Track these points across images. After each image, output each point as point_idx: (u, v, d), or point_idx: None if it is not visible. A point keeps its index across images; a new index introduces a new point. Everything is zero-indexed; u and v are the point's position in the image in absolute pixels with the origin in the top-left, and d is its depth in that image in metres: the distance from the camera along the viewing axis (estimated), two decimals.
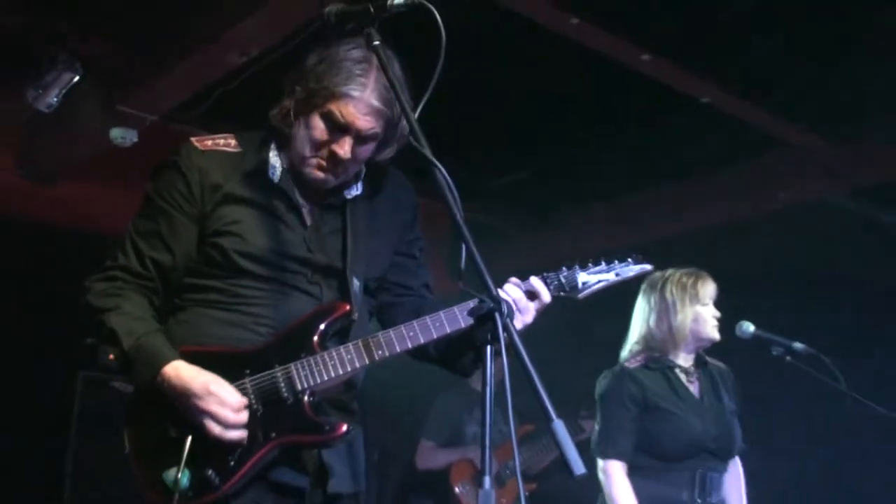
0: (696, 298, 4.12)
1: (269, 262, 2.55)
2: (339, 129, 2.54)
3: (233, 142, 2.65)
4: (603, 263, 2.72)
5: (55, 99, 5.02)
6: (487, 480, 1.89)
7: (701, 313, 4.12)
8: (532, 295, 2.60)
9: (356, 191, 2.69)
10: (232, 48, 4.55)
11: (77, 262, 2.75)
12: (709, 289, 4.17)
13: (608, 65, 4.86)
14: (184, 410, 2.43)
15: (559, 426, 1.83)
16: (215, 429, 2.40)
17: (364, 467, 2.71)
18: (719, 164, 6.14)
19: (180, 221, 2.57)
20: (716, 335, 4.13)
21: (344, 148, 2.55)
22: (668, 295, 4.13)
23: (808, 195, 5.98)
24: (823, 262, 6.03)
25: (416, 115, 2.17)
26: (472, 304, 2.41)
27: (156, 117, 5.25)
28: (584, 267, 2.70)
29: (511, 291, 2.60)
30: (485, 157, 6.00)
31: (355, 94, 2.51)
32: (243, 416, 2.43)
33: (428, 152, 2.10)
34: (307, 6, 4.08)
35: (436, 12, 2.19)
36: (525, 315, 2.59)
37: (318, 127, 2.55)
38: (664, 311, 4.11)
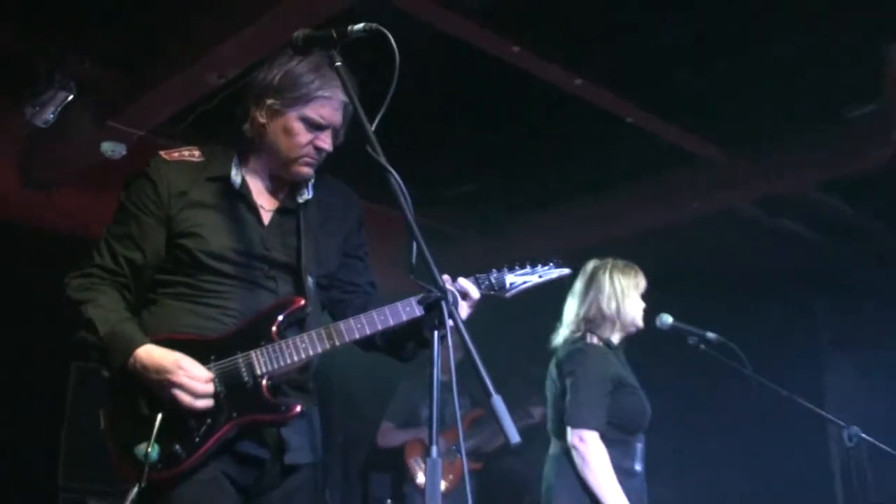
0: (637, 287, 4.12)
1: (229, 260, 2.58)
2: (318, 127, 2.62)
3: (197, 153, 2.70)
4: (528, 266, 2.76)
5: (51, 115, 4.96)
6: (434, 450, 1.90)
7: (637, 302, 4.12)
8: (463, 294, 2.64)
9: (308, 195, 2.74)
10: (211, 70, 4.52)
11: (70, 264, 2.73)
12: (643, 281, 4.16)
13: (545, 88, 4.89)
14: (156, 387, 2.44)
15: (497, 401, 1.86)
16: (186, 398, 2.41)
17: (321, 440, 2.74)
18: (639, 176, 6.20)
19: (149, 224, 2.60)
20: (641, 323, 4.14)
21: (326, 142, 2.64)
22: (616, 281, 4.07)
23: (717, 204, 6.06)
24: (728, 261, 6.14)
25: (373, 127, 2.18)
26: (413, 301, 2.52)
27: (143, 132, 5.19)
28: (511, 269, 2.75)
29: (466, 285, 2.65)
30: (437, 169, 6.02)
31: (330, 95, 2.59)
32: (210, 387, 2.45)
33: (383, 160, 2.12)
34: (279, 32, 4.07)
35: (391, 37, 2.22)
36: (458, 311, 2.60)
37: (299, 131, 2.61)
38: (612, 295, 4.04)
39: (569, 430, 3.86)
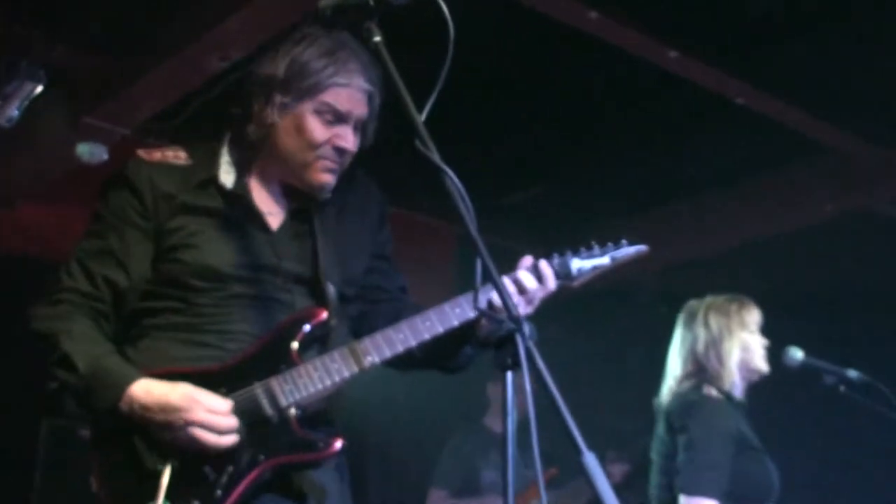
0: (742, 325, 4.13)
1: (234, 274, 2.62)
2: (337, 121, 2.65)
3: (182, 154, 2.74)
4: (596, 248, 2.87)
5: (16, 112, 5.02)
6: None
7: (749, 342, 4.12)
8: (521, 288, 2.70)
9: (327, 194, 2.77)
10: (211, 52, 4.57)
11: (36, 294, 2.77)
12: (754, 315, 4.18)
13: (630, 64, 4.90)
14: (162, 431, 2.45)
15: (591, 459, 1.84)
16: (209, 438, 2.43)
17: (349, 489, 2.77)
18: (755, 172, 6.16)
19: (134, 237, 2.63)
20: (764, 366, 4.13)
21: (347, 139, 2.66)
22: (712, 324, 4.12)
23: (851, 205, 6.01)
24: (865, 276, 6.06)
25: (423, 117, 2.19)
26: (462, 299, 2.60)
27: (128, 131, 5.26)
28: (576, 253, 2.84)
29: (526, 280, 2.72)
30: (493, 169, 6.03)
31: (346, 82, 2.63)
32: (234, 421, 2.47)
33: (436, 158, 2.12)
34: (295, 4, 4.11)
35: (443, 5, 2.23)
36: (531, 303, 2.72)
37: (314, 126, 2.64)
38: (710, 343, 4.09)
39: (682, 498, 3.86)
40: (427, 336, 2.61)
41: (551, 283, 2.74)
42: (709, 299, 4.22)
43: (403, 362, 2.72)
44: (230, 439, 2.46)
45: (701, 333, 4.13)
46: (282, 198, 2.76)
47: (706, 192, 6.45)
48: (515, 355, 1.94)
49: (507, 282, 2.67)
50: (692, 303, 4.25)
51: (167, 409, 2.44)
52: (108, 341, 2.61)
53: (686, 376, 4.13)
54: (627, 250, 2.89)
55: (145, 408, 2.45)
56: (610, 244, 2.88)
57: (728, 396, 4.06)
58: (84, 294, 2.62)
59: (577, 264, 2.82)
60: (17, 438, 6.03)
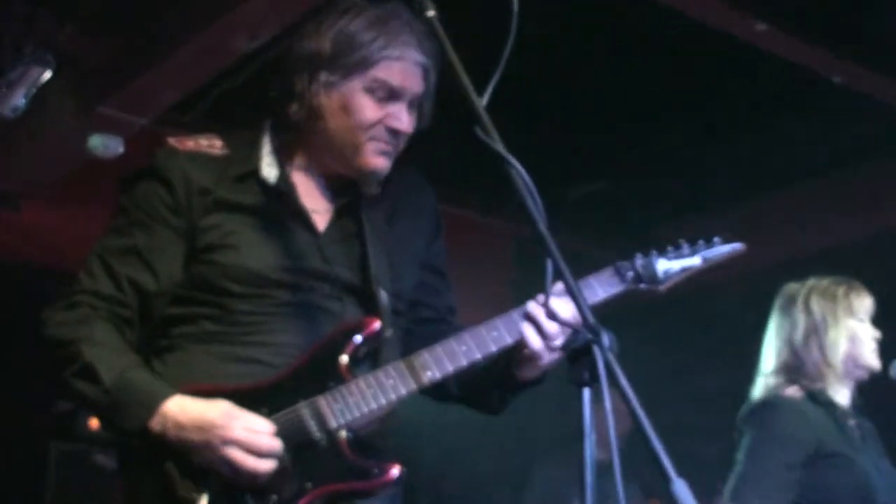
0: (850, 312, 4.03)
1: (277, 280, 2.62)
2: (390, 98, 2.65)
3: (217, 143, 2.75)
4: (685, 247, 2.85)
5: (22, 101, 5.08)
6: None
7: (857, 332, 4.05)
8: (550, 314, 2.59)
9: (377, 189, 2.78)
10: (239, 30, 4.61)
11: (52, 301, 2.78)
12: (865, 301, 4.05)
13: (712, 38, 4.88)
14: (198, 453, 2.45)
15: (681, 487, 1.83)
16: (247, 461, 2.42)
17: None
18: (856, 160, 6.12)
19: (164, 236, 2.63)
20: (875, 362, 4.00)
21: (402, 118, 2.66)
22: (814, 309, 4.00)
23: None
24: None
25: (485, 101, 2.19)
26: (514, 315, 2.60)
27: (145, 120, 5.31)
28: (663, 253, 2.82)
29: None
30: (554, 160, 6.02)
31: (399, 54, 2.64)
32: (276, 444, 2.46)
33: (500, 147, 2.12)
34: None
35: None
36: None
37: (365, 106, 2.65)
38: (811, 330, 3.98)
39: None
40: (494, 348, 2.60)
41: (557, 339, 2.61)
42: (811, 281, 4.09)
43: (439, 391, 2.73)
44: (269, 465, 2.45)
45: (800, 320, 4.01)
46: (327, 192, 2.77)
47: (799, 183, 6.40)
48: (593, 369, 1.93)
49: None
50: (791, 286, 4.13)
51: (204, 426, 2.44)
52: (132, 352, 2.61)
53: (779, 370, 4.03)
54: (721, 249, 2.88)
55: (180, 426, 2.45)
56: (701, 242, 2.87)
57: (812, 396, 3.95)
58: (106, 297, 2.61)
59: (664, 266, 2.80)
60: (26, 463, 6.12)
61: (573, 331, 2.00)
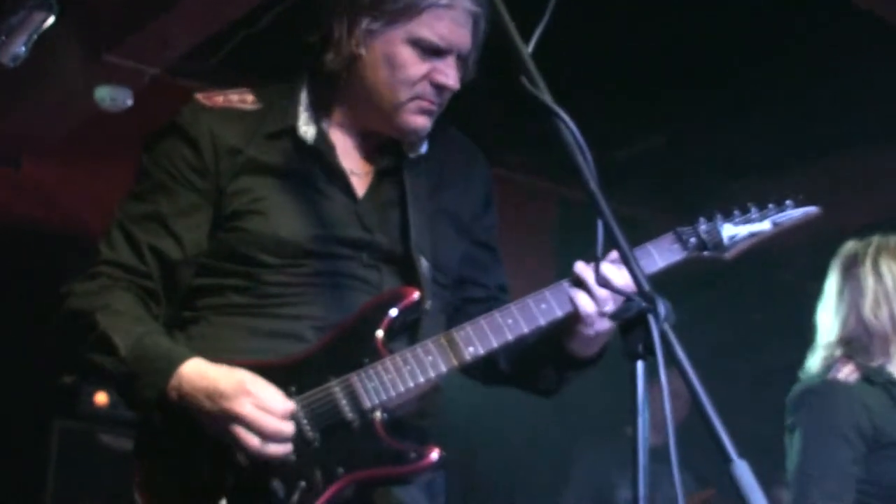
0: None
1: (312, 249, 2.62)
2: (436, 52, 2.63)
3: (249, 97, 2.76)
4: (753, 210, 2.83)
5: (22, 49, 5.09)
6: None
7: None
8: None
9: (421, 149, 2.78)
10: None
11: (53, 273, 2.80)
12: None
13: None
14: (210, 423, 2.46)
15: (741, 468, 1.84)
16: (250, 440, 2.42)
17: None
18: None
19: (189, 200, 2.65)
20: None
21: (449, 74, 2.64)
22: (885, 272, 3.92)
23: None
24: None
25: (531, 49, 2.19)
26: (564, 285, 2.58)
27: (157, 70, 5.32)
28: (728, 217, 2.80)
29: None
30: (603, 116, 5.99)
31: (449, 2, 2.61)
32: (288, 426, 2.46)
33: (548, 99, 2.12)
34: None
35: None
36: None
37: (409, 59, 2.63)
38: (880, 296, 3.89)
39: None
40: (542, 322, 2.59)
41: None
42: (878, 239, 4.01)
43: (487, 372, 2.75)
44: (276, 449, 2.45)
45: (869, 284, 3.93)
46: (368, 153, 2.77)
47: (876, 144, 6.35)
48: (648, 341, 1.93)
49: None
50: (852, 244, 4.06)
51: (213, 395, 2.44)
52: (154, 321, 2.62)
53: (838, 343, 3.97)
54: (793, 213, 2.86)
55: (194, 392, 2.46)
56: (771, 206, 2.85)
57: (869, 376, 3.88)
58: (127, 268, 2.63)
59: (730, 231, 2.78)
60: (27, 442, 6.17)
61: (626, 299, 1.99)
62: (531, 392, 2.88)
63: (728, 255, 2.79)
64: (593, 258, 2.14)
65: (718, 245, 2.77)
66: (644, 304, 1.95)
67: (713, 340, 6.35)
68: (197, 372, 2.48)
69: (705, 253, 2.76)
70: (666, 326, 1.95)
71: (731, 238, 2.78)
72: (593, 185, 2.07)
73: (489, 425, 6.64)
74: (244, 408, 2.43)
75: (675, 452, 1.90)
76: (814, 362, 4.03)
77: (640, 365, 1.96)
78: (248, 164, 2.65)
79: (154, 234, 2.64)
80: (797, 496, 3.81)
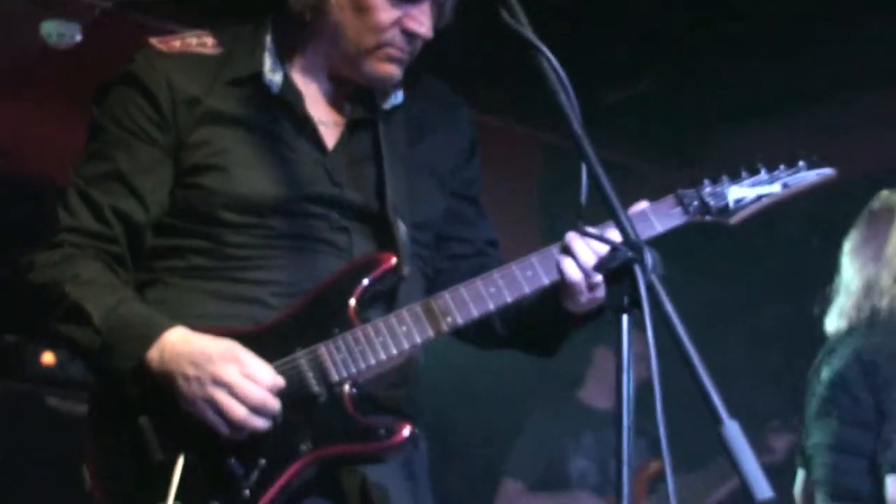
0: None
1: (276, 207, 2.63)
2: None
3: (209, 41, 2.75)
4: (763, 172, 2.80)
5: None
6: None
7: None
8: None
9: (396, 99, 2.78)
10: None
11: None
12: None
13: None
14: (187, 389, 2.46)
15: (733, 430, 1.85)
16: (235, 411, 2.44)
17: (431, 497, 2.80)
18: None
19: (150, 156, 2.65)
20: None
21: (423, 22, 2.63)
22: None
23: None
24: None
25: None
26: (554, 251, 2.57)
27: (108, 4, 5.28)
28: (735, 179, 2.77)
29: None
30: (589, 55, 5.98)
31: None
32: (273, 402, 2.47)
33: (530, 34, 2.14)
34: None
35: None
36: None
37: (379, 3, 2.61)
38: None
39: (889, 480, 3.80)
40: (527, 290, 2.59)
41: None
42: None
43: (484, 336, 2.76)
44: (259, 422, 2.46)
45: None
46: (338, 102, 2.77)
47: (879, 87, 6.35)
48: (634, 293, 1.95)
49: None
50: (885, 195, 4.12)
51: (199, 360, 2.46)
52: (126, 287, 2.63)
53: (861, 301, 4.01)
54: (807, 175, 2.82)
55: (177, 357, 2.47)
56: (782, 166, 2.81)
57: None
58: (92, 234, 2.64)
59: (737, 193, 2.75)
60: None
61: (611, 248, 2.01)
62: (531, 353, 2.89)
63: (733, 219, 2.77)
64: (577, 207, 2.14)
65: (723, 209, 2.75)
66: (630, 254, 1.97)
67: (706, 298, 6.37)
68: (183, 339, 2.50)
69: (708, 217, 2.74)
70: (653, 277, 1.96)
71: (738, 202, 2.75)
72: (577, 126, 2.08)
73: (467, 390, 6.66)
74: (232, 375, 2.45)
75: (661, 410, 1.90)
76: (837, 314, 4.09)
77: (625, 319, 1.97)
78: (208, 115, 2.65)
79: (116, 195, 2.65)
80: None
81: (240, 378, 2.44)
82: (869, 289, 4.01)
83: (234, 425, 2.45)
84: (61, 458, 4.95)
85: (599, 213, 2.17)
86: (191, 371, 2.46)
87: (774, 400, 5.85)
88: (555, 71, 2.11)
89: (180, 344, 2.48)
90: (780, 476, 4.01)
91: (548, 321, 2.74)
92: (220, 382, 2.44)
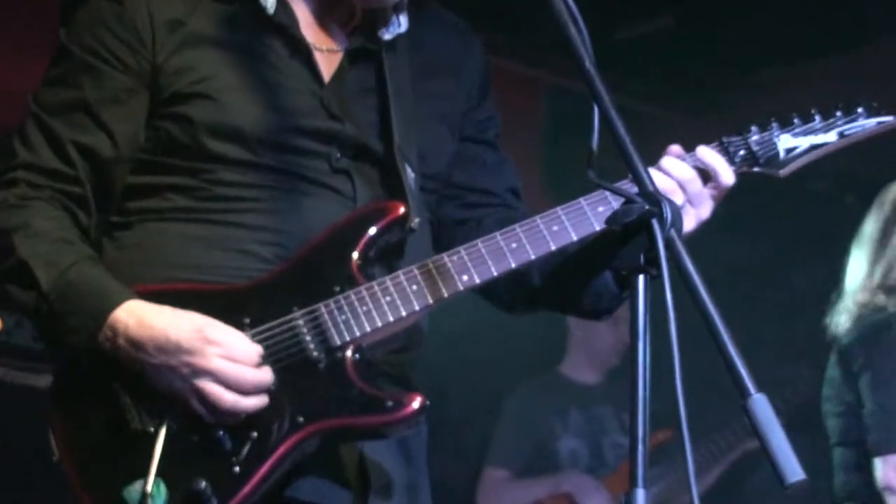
0: None
1: (268, 140, 2.60)
2: None
3: None
4: (817, 119, 2.76)
5: None
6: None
7: None
8: (705, 174, 2.63)
9: (399, 27, 2.74)
10: None
11: None
12: None
13: None
14: (161, 377, 2.44)
15: (761, 403, 1.85)
16: (224, 399, 2.42)
17: (427, 480, 2.79)
18: None
19: (120, 83, 2.61)
20: None
21: None
22: None
23: None
24: None
25: None
26: (609, 197, 2.51)
27: None
28: (786, 126, 2.74)
29: (674, 169, 2.63)
30: None
31: None
32: (266, 375, 2.46)
33: None
34: None
35: None
36: (698, 206, 2.64)
37: None
38: None
39: (877, 462, 3.91)
40: (553, 246, 2.57)
41: (726, 176, 2.64)
42: None
43: (513, 294, 2.76)
44: (254, 402, 2.45)
45: None
46: (336, 29, 2.73)
47: None
48: (651, 251, 1.94)
49: (681, 165, 2.62)
50: None
51: (167, 349, 2.43)
52: (81, 241, 2.59)
53: (881, 289, 4.10)
54: (866, 124, 2.77)
55: (136, 344, 2.44)
56: (838, 113, 2.77)
57: None
58: (50, 173, 2.60)
59: (788, 143, 2.72)
60: None
61: (626, 201, 2.00)
62: (573, 314, 2.90)
63: (783, 171, 2.73)
64: (587, 153, 2.11)
65: (772, 160, 2.73)
66: (647, 207, 1.96)
67: (731, 260, 6.38)
68: (136, 320, 2.45)
69: (756, 169, 2.72)
70: (672, 233, 1.95)
71: (789, 151, 2.73)
72: (589, 64, 2.06)
73: (463, 358, 6.68)
74: (213, 362, 2.43)
75: (679, 377, 1.90)
76: (845, 308, 4.20)
77: (641, 279, 1.97)
78: (193, 36, 2.62)
79: (80, 129, 2.61)
80: (881, 439, 3.95)
81: (223, 364, 2.42)
82: (870, 289, 4.13)
83: (225, 413, 2.43)
84: (8, 433, 4.96)
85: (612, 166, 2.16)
86: (160, 360, 2.43)
87: (799, 367, 5.90)
88: (564, 2, 2.09)
89: (136, 328, 2.44)
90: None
91: (600, 273, 2.69)
92: (203, 373, 2.42)
